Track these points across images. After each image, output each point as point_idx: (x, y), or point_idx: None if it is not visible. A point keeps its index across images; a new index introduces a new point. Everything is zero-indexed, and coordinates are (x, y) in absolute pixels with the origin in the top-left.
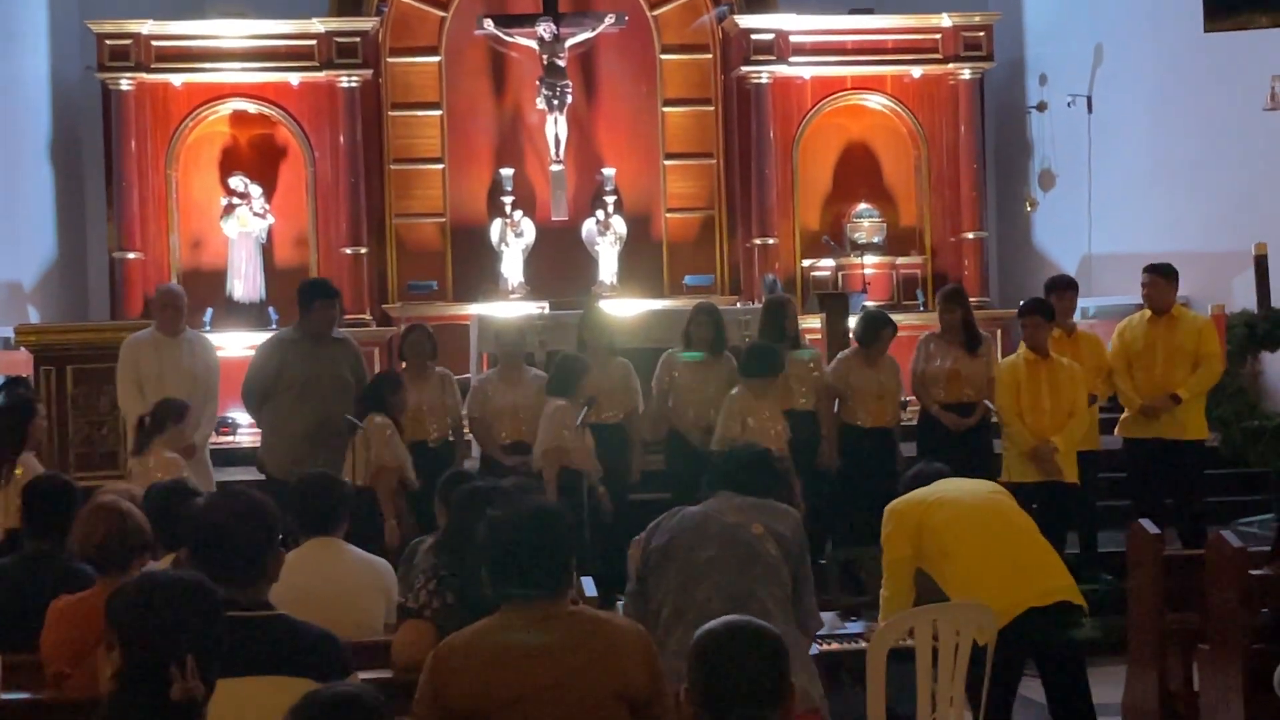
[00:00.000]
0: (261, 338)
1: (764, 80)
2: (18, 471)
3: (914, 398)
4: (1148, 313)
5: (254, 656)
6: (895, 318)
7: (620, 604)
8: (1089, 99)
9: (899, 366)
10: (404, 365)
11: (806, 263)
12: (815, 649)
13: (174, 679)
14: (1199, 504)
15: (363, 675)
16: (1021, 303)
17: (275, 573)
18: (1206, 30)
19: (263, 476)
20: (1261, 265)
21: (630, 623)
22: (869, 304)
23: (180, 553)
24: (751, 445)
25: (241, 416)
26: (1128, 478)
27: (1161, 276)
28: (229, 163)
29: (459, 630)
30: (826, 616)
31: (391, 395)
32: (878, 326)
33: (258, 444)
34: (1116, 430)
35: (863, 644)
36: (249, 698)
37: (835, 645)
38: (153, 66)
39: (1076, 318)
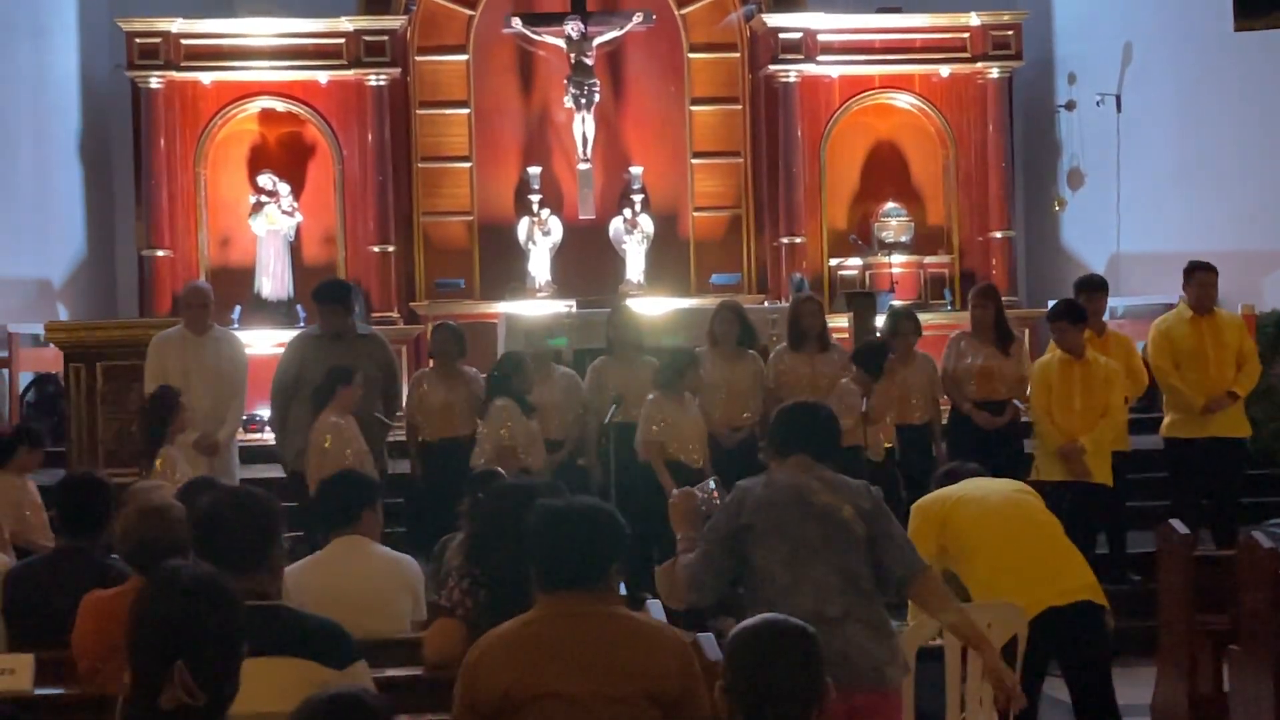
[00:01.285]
0: (289, 336)
1: (792, 79)
2: (157, 463)
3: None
4: (1188, 312)
5: (253, 642)
6: (923, 317)
7: (651, 603)
8: (1118, 98)
9: (933, 363)
10: (432, 363)
11: (834, 262)
12: None
13: (164, 688)
14: (1235, 504)
15: (391, 672)
16: (1050, 305)
17: (278, 567)
18: (1236, 29)
19: (285, 474)
20: None
21: (668, 626)
22: (896, 303)
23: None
24: (814, 404)
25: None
26: (1170, 478)
27: (1213, 273)
28: (257, 161)
29: (494, 627)
30: None
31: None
32: (897, 322)
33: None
34: (1162, 431)
35: None
36: (248, 677)
37: None
38: (182, 65)
39: (1105, 317)
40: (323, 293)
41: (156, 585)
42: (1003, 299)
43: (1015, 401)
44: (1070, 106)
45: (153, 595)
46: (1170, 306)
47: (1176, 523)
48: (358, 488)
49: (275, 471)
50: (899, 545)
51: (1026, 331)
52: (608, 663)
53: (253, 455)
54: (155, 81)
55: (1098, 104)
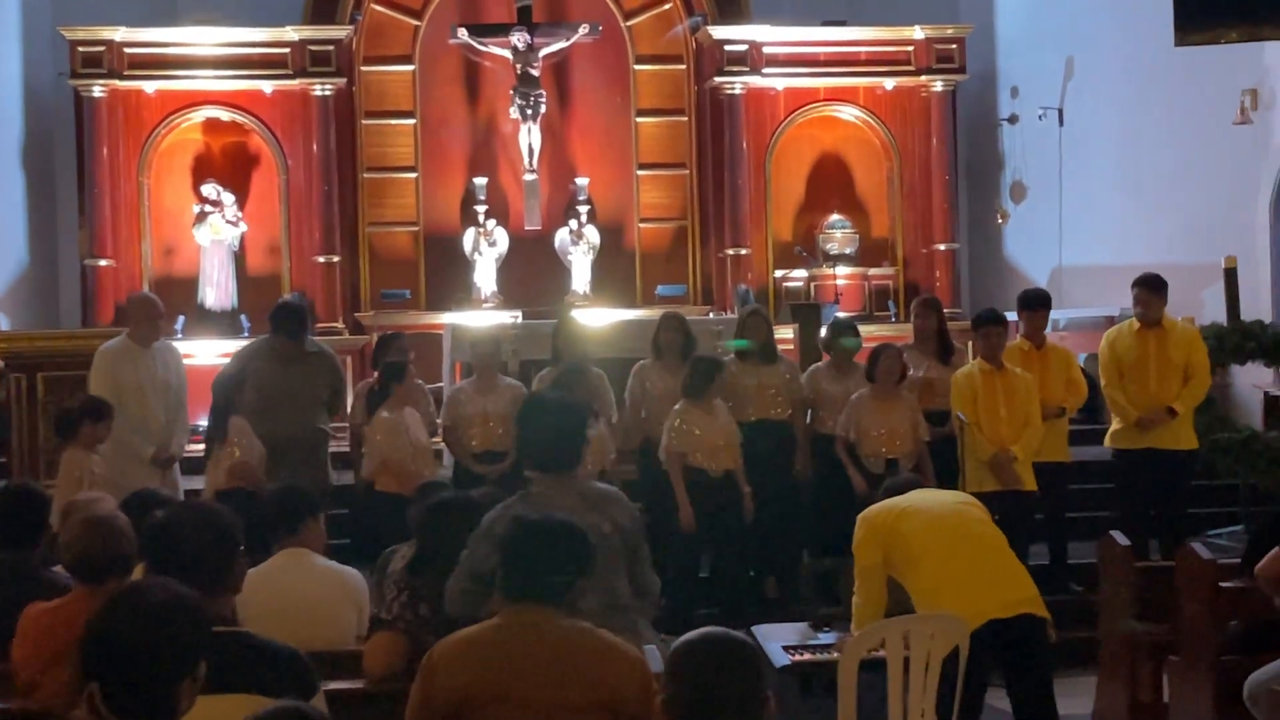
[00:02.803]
0: (232, 346)
1: (737, 91)
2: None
3: None
4: (1135, 324)
5: (216, 674)
6: (867, 329)
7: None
8: (1060, 112)
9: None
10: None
11: (779, 273)
12: (787, 659)
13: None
14: (1182, 515)
15: (334, 685)
16: (976, 314)
17: (237, 585)
18: (1177, 44)
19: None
20: (1231, 278)
21: (630, 646)
22: (841, 314)
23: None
24: (565, 408)
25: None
26: (1116, 488)
27: (1153, 289)
28: (201, 170)
29: (445, 637)
30: (800, 627)
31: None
32: (837, 335)
33: None
34: (1106, 441)
35: (835, 655)
36: (208, 718)
37: (808, 656)
38: (125, 73)
39: (1046, 329)
40: (283, 324)
41: (120, 602)
42: (945, 310)
43: (959, 414)
44: (1013, 120)
45: (115, 612)
46: (1112, 319)
47: (1117, 534)
48: (300, 498)
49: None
50: (645, 576)
51: (969, 343)
52: (567, 673)
53: (197, 466)
54: (98, 90)
55: (1040, 118)
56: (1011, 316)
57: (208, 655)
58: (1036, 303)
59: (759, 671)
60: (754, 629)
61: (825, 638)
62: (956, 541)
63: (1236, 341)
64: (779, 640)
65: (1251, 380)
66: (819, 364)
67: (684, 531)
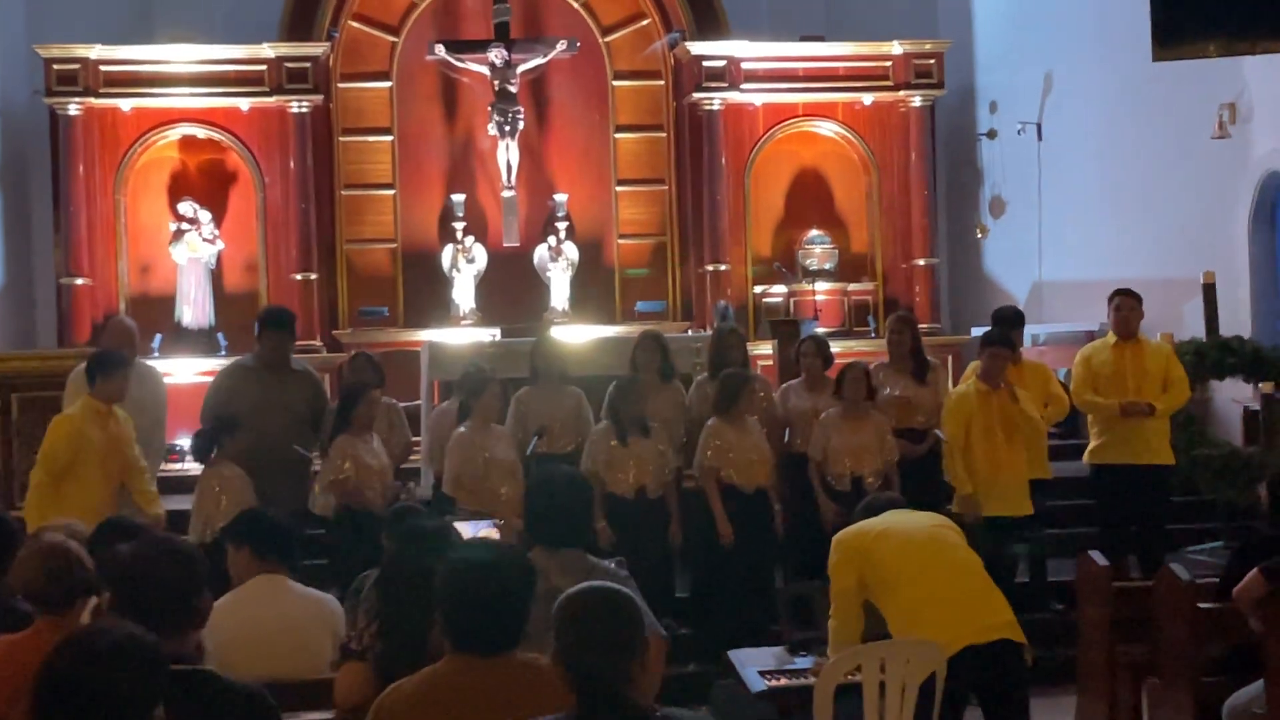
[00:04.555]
0: (210, 364)
1: (716, 106)
2: None
3: None
4: (1112, 338)
5: (176, 716)
6: (847, 344)
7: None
8: (1039, 126)
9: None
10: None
11: (758, 289)
12: (764, 685)
13: None
14: (1161, 531)
15: (308, 715)
16: (986, 331)
17: (203, 621)
18: (1155, 59)
19: None
20: (1210, 293)
21: None
22: (819, 330)
23: (104, 597)
24: (558, 481)
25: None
26: (1095, 505)
27: (1135, 300)
28: (178, 188)
29: (405, 677)
30: (776, 651)
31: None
32: (803, 349)
33: None
34: (1085, 457)
35: (811, 680)
36: None
37: (783, 680)
38: (101, 91)
39: (1026, 344)
40: (267, 318)
41: (74, 645)
42: (925, 326)
43: (936, 431)
44: (992, 135)
45: (68, 655)
46: (1091, 334)
47: (1096, 553)
48: (284, 528)
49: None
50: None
51: (950, 358)
52: (515, 713)
53: (172, 486)
54: (74, 108)
55: (1019, 132)
56: (981, 331)
57: (166, 698)
58: (1012, 321)
59: (632, 616)
60: (730, 654)
61: (802, 662)
62: (932, 566)
63: (1215, 357)
64: (755, 665)
65: (1230, 395)
66: (791, 381)
67: (724, 545)
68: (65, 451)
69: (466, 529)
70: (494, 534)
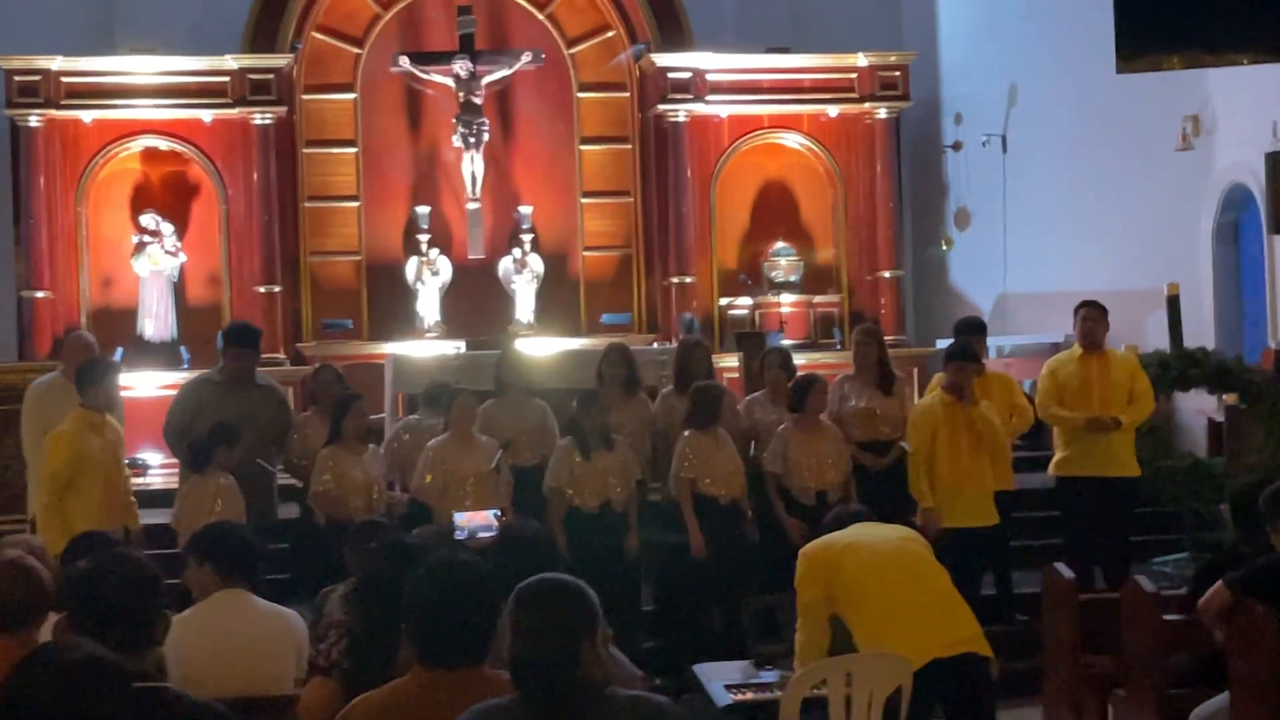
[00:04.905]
0: (172, 377)
1: (681, 119)
2: None
3: None
4: (1078, 350)
5: None
6: (812, 356)
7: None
8: (1004, 138)
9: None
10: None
11: (724, 301)
12: (730, 699)
13: None
14: (1127, 542)
15: None
16: (949, 346)
17: (161, 637)
18: (1119, 71)
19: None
20: (1174, 305)
21: None
22: (785, 342)
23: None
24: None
25: (152, 458)
26: (1061, 516)
27: (1101, 311)
28: (140, 200)
29: (370, 691)
30: (742, 665)
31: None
32: (766, 361)
33: (170, 485)
34: (1050, 469)
35: (777, 693)
36: None
37: (750, 695)
38: (62, 103)
39: (991, 356)
40: (229, 336)
41: (35, 665)
42: (890, 338)
43: (902, 443)
44: (957, 147)
45: (29, 675)
46: (1057, 345)
47: (1061, 565)
48: (247, 541)
49: (159, 517)
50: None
51: (915, 370)
52: None
53: (144, 501)
54: (35, 120)
55: (984, 144)
56: (946, 343)
57: (128, 717)
58: (975, 328)
59: (578, 606)
60: (695, 668)
61: (768, 676)
62: (898, 579)
63: (1179, 368)
64: (721, 679)
65: (1195, 407)
66: (755, 394)
67: (696, 558)
68: (66, 469)
69: (469, 521)
70: (495, 524)
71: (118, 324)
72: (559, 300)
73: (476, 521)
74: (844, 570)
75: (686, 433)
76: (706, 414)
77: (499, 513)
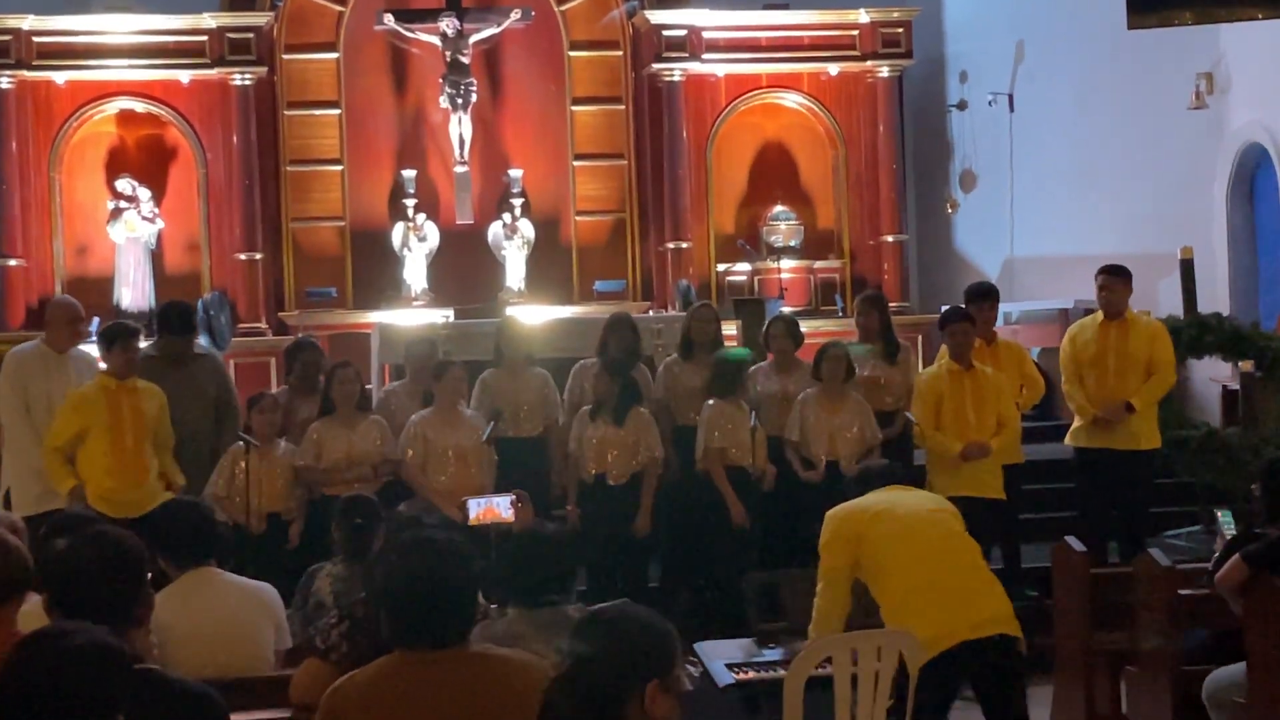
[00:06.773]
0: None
1: (676, 78)
2: None
3: None
4: (1099, 316)
5: (132, 717)
6: (814, 323)
7: None
8: (1010, 97)
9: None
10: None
11: (721, 267)
12: (731, 678)
13: None
14: (1146, 516)
15: (257, 714)
16: (943, 310)
17: (146, 618)
18: (1130, 27)
19: None
20: (1187, 269)
21: (534, 662)
22: (785, 309)
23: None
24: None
25: None
26: (1076, 488)
27: (1119, 278)
28: (116, 164)
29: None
30: (744, 643)
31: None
32: (772, 330)
33: None
34: (1067, 439)
35: (780, 672)
36: None
37: (752, 674)
38: (34, 64)
39: (998, 322)
40: (173, 325)
41: (38, 645)
42: (894, 305)
43: (907, 413)
44: (962, 106)
45: (31, 661)
46: (1065, 311)
47: (1073, 540)
48: (208, 518)
49: None
50: None
51: (919, 338)
52: (476, 707)
53: None
54: (6, 81)
55: (990, 104)
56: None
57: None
58: (984, 294)
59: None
60: (696, 646)
61: (770, 654)
62: (927, 554)
63: (1193, 335)
64: (723, 658)
65: (1208, 374)
66: (760, 364)
67: (737, 527)
68: (65, 423)
69: (484, 504)
70: (510, 511)
71: (93, 293)
72: (551, 267)
73: (489, 517)
74: (872, 539)
75: (711, 403)
76: (732, 383)
77: (514, 498)
